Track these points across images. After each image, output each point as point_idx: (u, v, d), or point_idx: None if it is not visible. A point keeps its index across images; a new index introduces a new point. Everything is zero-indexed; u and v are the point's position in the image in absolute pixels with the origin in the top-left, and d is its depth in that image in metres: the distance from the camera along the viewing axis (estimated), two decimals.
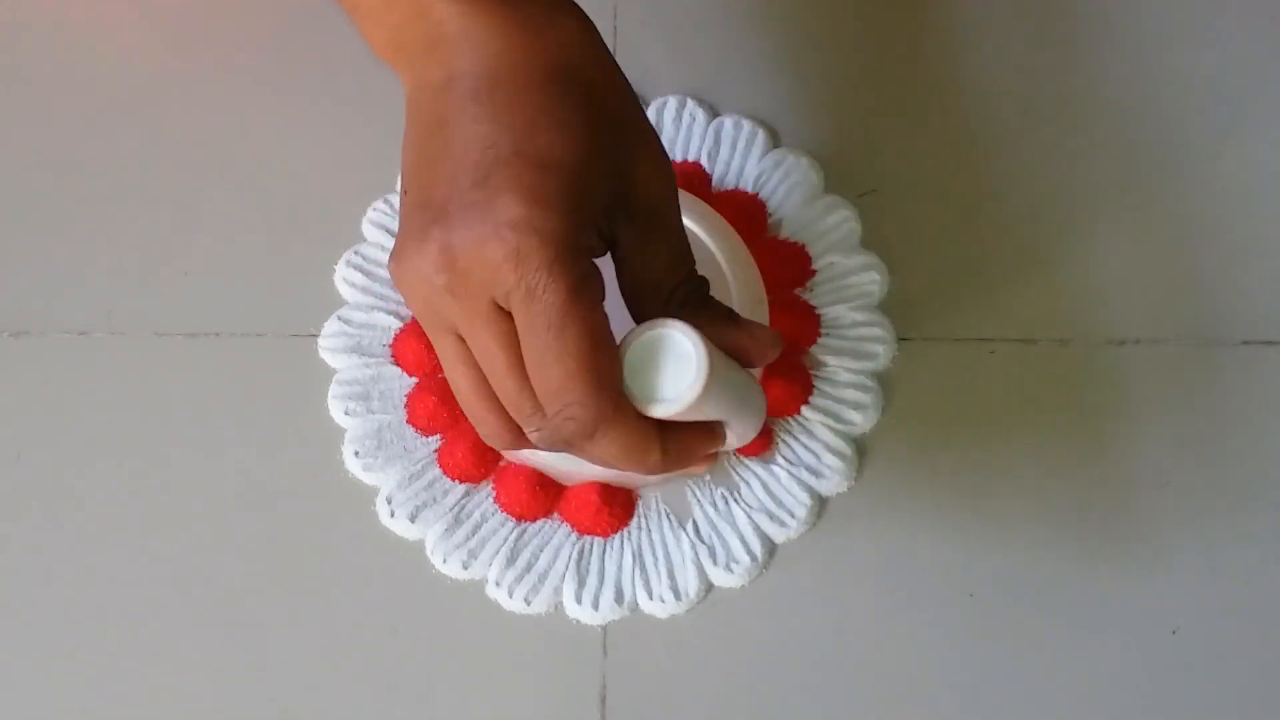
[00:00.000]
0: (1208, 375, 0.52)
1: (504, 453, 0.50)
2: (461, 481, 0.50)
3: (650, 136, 0.41)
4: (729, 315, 0.41)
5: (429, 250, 0.37)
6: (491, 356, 0.38)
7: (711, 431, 0.41)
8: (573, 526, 0.50)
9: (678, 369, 0.38)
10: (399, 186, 0.41)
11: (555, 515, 0.50)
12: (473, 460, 0.50)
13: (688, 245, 0.41)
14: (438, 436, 0.51)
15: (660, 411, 0.38)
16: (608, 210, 0.39)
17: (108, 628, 0.49)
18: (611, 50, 0.53)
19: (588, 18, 0.40)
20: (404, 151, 0.40)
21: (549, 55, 0.39)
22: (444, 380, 0.42)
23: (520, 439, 0.40)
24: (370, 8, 0.41)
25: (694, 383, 0.37)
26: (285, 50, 0.56)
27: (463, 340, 0.39)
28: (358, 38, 0.49)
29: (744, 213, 0.53)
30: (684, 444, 0.40)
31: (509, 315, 0.37)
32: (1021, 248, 0.53)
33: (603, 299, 0.38)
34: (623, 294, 0.41)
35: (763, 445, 0.50)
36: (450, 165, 0.38)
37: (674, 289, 0.40)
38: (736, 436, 0.42)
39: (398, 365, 0.51)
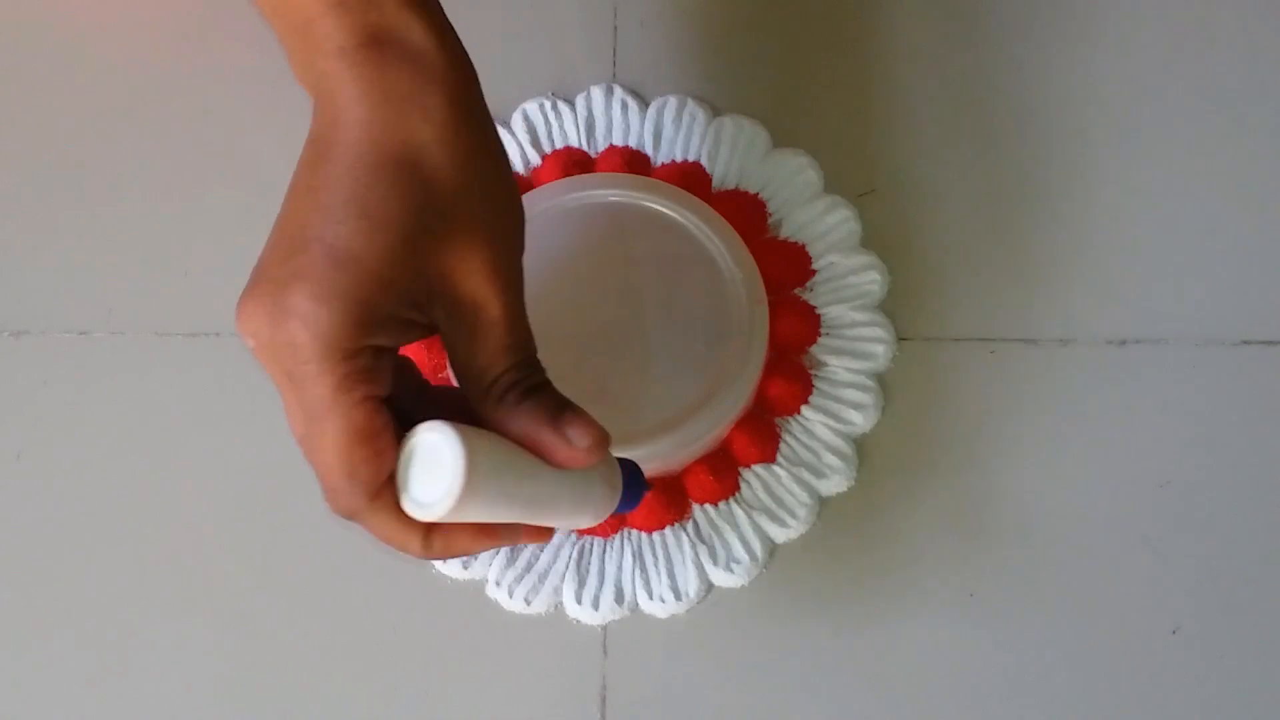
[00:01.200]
0: (1208, 375, 0.52)
1: None
2: None
3: (486, 223, 0.39)
4: (554, 411, 0.39)
5: (243, 310, 0.38)
6: (288, 416, 0.39)
7: (486, 531, 0.40)
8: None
9: (437, 474, 0.37)
10: None
11: None
12: None
13: (520, 336, 0.40)
14: None
15: (419, 514, 0.37)
16: (417, 303, 0.38)
17: (107, 627, 0.49)
18: (612, 49, 0.53)
19: (465, 84, 0.39)
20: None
21: (392, 135, 0.38)
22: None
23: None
24: (283, 42, 0.41)
25: (446, 493, 0.36)
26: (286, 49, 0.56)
27: None
28: None
29: (744, 212, 0.53)
30: (450, 540, 0.39)
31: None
32: (1022, 247, 0.53)
33: (380, 392, 0.37)
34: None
35: (766, 454, 0.50)
36: (277, 230, 0.38)
37: (493, 382, 0.39)
38: (563, 522, 0.40)
39: None
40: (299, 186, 0.39)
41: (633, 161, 0.53)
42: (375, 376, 0.37)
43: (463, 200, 0.39)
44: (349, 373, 0.37)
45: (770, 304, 0.50)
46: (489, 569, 0.49)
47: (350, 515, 0.38)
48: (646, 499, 0.49)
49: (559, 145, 0.54)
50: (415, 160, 0.38)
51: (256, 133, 0.55)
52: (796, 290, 0.52)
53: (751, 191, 0.53)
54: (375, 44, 0.39)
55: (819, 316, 0.52)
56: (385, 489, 0.37)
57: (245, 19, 0.56)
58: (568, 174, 0.53)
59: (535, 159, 0.54)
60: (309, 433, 0.38)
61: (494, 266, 0.39)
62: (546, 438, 0.39)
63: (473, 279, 0.39)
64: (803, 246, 0.53)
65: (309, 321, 0.36)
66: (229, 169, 0.54)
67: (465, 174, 0.39)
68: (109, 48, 0.56)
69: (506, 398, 0.39)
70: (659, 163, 0.54)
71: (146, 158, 0.54)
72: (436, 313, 0.38)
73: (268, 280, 0.37)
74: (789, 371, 0.51)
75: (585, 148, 0.54)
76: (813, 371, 0.52)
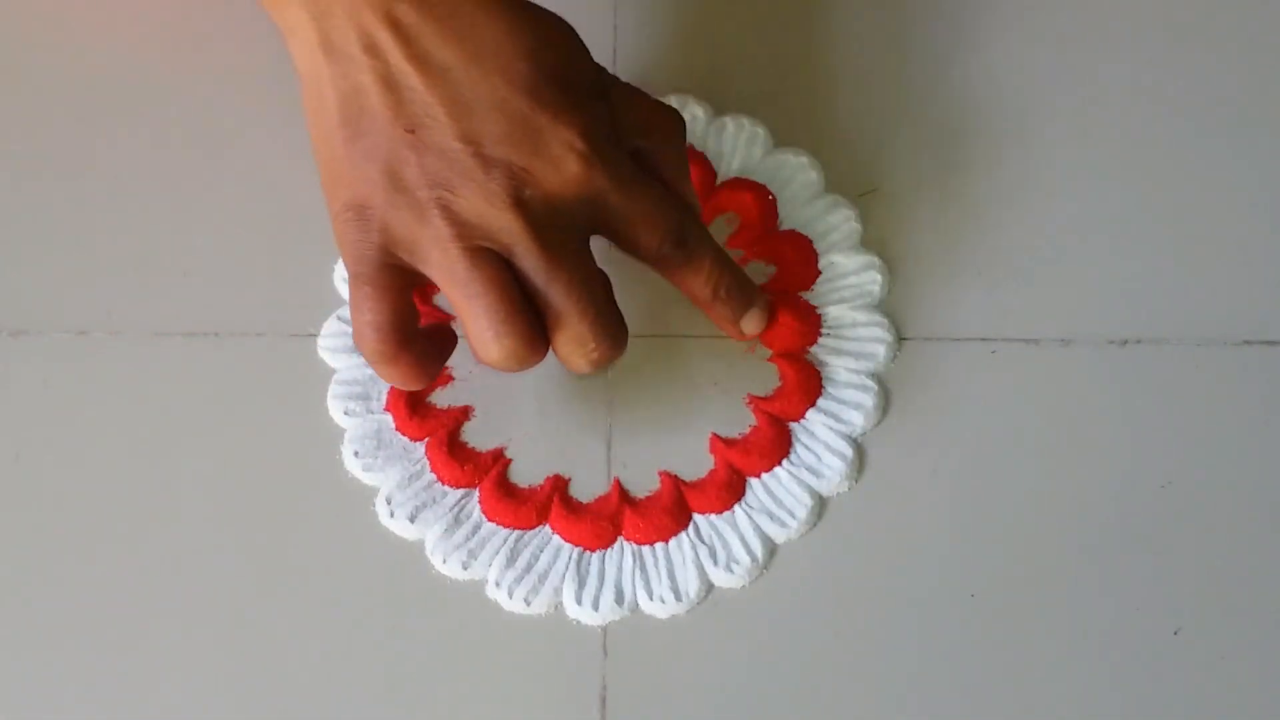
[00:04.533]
0: (1208, 375, 0.52)
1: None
2: (454, 486, 0.50)
3: (512, 100, 0.44)
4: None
5: (338, 213, 0.46)
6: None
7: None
8: (563, 538, 0.50)
9: None
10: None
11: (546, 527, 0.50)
12: (454, 465, 0.50)
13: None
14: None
15: None
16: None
17: (106, 627, 0.49)
18: (612, 49, 0.53)
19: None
20: (306, 116, 0.47)
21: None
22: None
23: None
24: None
25: None
26: (286, 49, 0.56)
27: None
28: None
29: (756, 201, 0.53)
30: None
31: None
32: (1022, 248, 0.53)
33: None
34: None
35: (775, 463, 0.51)
36: (324, 170, 0.46)
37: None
38: None
39: None
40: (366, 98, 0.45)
41: None
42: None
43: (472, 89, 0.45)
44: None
45: (775, 304, 0.51)
46: (489, 569, 0.49)
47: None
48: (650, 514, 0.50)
49: None
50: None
51: (256, 132, 0.55)
52: (800, 292, 0.52)
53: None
54: None
55: (819, 317, 0.52)
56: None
57: (245, 19, 0.56)
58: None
59: None
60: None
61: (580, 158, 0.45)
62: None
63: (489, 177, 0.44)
64: (810, 241, 0.53)
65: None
66: (229, 169, 0.54)
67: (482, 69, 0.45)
68: (108, 47, 0.55)
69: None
70: None
71: (146, 158, 0.54)
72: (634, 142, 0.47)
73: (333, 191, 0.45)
74: (806, 376, 0.51)
75: None
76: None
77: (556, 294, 0.44)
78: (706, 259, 0.48)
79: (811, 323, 0.52)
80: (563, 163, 0.44)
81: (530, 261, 0.44)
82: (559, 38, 0.45)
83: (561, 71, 0.44)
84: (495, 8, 0.44)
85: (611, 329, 0.46)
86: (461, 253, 0.43)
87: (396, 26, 0.43)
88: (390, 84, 0.44)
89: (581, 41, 0.46)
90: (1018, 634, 0.49)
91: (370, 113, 0.44)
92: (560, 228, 0.44)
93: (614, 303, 0.46)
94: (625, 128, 0.46)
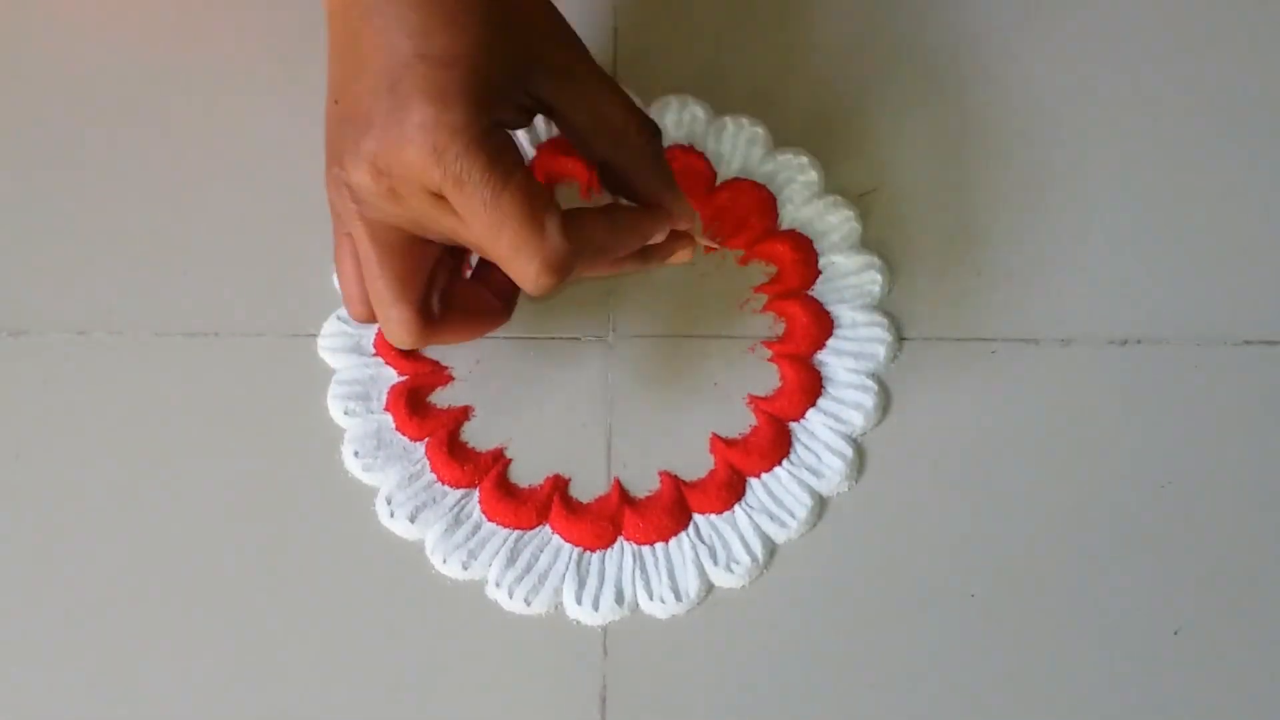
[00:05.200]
0: (1208, 375, 0.52)
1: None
2: (454, 486, 0.50)
3: (547, 10, 0.44)
4: (665, 179, 0.46)
5: (362, 163, 0.41)
6: (454, 229, 0.42)
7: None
8: (563, 538, 0.50)
9: None
10: (326, 101, 0.44)
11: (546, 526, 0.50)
12: (455, 466, 0.50)
13: (626, 96, 0.45)
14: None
15: None
16: (520, 78, 0.42)
17: (107, 627, 0.49)
18: (612, 49, 0.53)
19: None
20: (330, 67, 0.44)
21: None
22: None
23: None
24: None
25: None
26: (286, 48, 0.56)
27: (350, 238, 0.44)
28: None
29: (755, 201, 0.53)
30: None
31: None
32: (1022, 248, 0.53)
33: (522, 161, 0.42)
34: (580, 151, 0.45)
35: (776, 463, 0.50)
36: (366, 77, 0.41)
37: (619, 130, 0.45)
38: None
39: (388, 365, 0.51)
40: (369, 31, 0.42)
41: None
42: (514, 148, 0.42)
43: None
44: (498, 146, 0.41)
45: (788, 302, 0.51)
46: (489, 569, 0.49)
47: (563, 259, 0.42)
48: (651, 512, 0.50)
49: None
50: None
51: (256, 132, 0.54)
52: (808, 291, 0.52)
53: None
54: None
55: (832, 320, 0.52)
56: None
57: (246, 18, 0.56)
58: (565, 160, 0.53)
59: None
60: (489, 218, 0.41)
61: (573, 38, 0.45)
62: (668, 196, 0.45)
63: (560, 50, 0.44)
64: (810, 241, 0.53)
65: (444, 122, 0.40)
66: (228, 168, 0.54)
67: None
68: (108, 47, 0.55)
69: (643, 146, 0.45)
70: None
71: (146, 157, 0.54)
72: (537, 86, 0.43)
73: (371, 124, 0.41)
74: (804, 376, 0.51)
75: None
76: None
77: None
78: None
79: (825, 324, 0.52)
80: (409, 144, 0.41)
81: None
82: (482, 20, 0.42)
83: (458, 54, 0.41)
84: None
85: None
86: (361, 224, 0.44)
87: None
88: (334, 54, 0.44)
89: (542, 22, 0.44)
90: (1017, 634, 0.49)
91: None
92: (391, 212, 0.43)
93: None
94: (583, 130, 0.45)
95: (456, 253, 0.47)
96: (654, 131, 0.46)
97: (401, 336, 0.44)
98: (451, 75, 0.41)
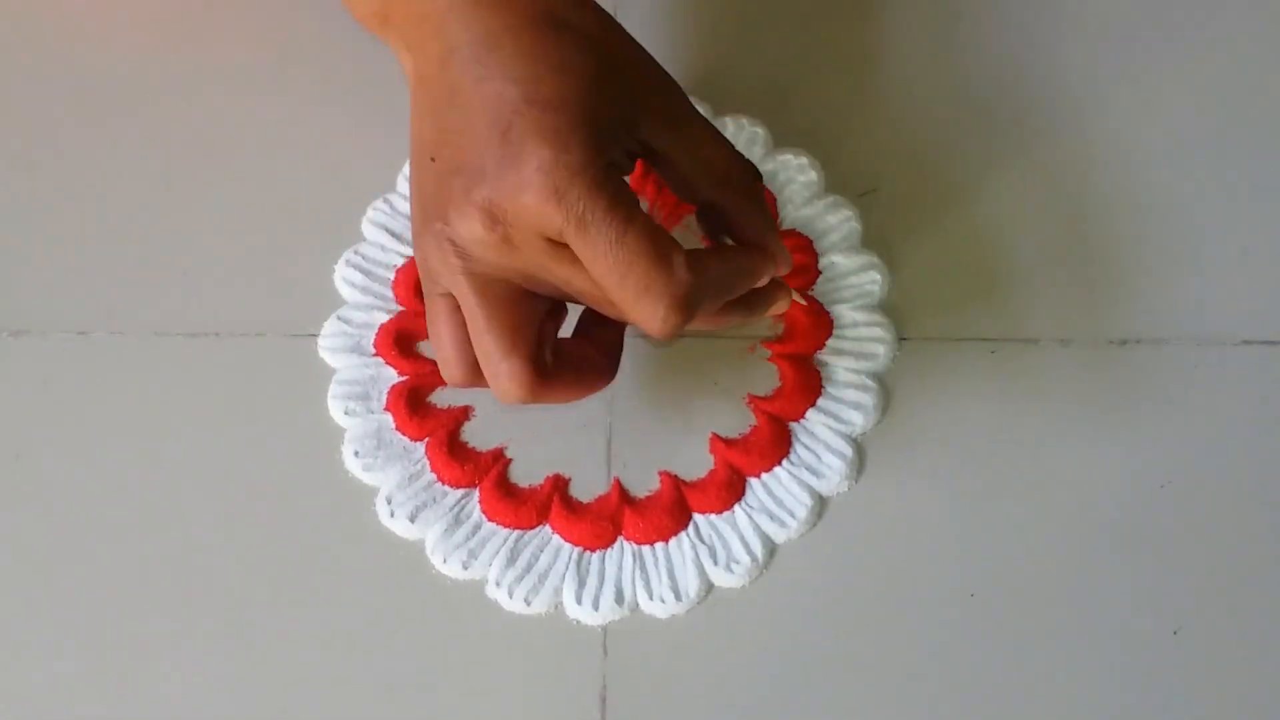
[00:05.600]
0: (1208, 375, 0.52)
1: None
2: (454, 486, 0.50)
3: (643, 55, 0.44)
4: (768, 222, 0.45)
5: (475, 212, 0.40)
6: (567, 280, 0.42)
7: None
8: (563, 538, 0.50)
9: None
10: (412, 162, 0.44)
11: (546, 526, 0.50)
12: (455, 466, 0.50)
13: (727, 141, 0.45)
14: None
15: None
16: (627, 124, 0.42)
17: (107, 627, 0.49)
18: None
19: None
20: (419, 124, 0.43)
21: (532, 8, 0.42)
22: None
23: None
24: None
25: None
26: (285, 49, 0.56)
27: (452, 298, 0.43)
28: (358, 36, 0.49)
29: None
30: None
31: (565, 246, 0.40)
32: (1022, 247, 0.53)
33: (639, 201, 0.41)
34: (680, 194, 0.45)
35: (776, 463, 0.51)
36: (471, 129, 0.41)
37: (724, 171, 0.44)
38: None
39: (389, 365, 0.51)
40: (470, 83, 0.41)
41: None
42: (631, 191, 0.41)
43: (616, 40, 0.44)
44: (619, 188, 0.40)
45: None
46: (489, 569, 0.49)
47: (694, 291, 0.41)
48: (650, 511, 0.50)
49: None
50: (565, 22, 0.42)
51: (257, 132, 0.55)
52: (810, 291, 0.52)
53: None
54: None
55: (831, 319, 0.52)
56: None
57: (246, 18, 0.56)
58: None
59: None
60: (615, 259, 0.40)
61: (673, 85, 0.45)
62: (771, 238, 0.45)
63: (664, 95, 0.44)
64: (810, 241, 0.53)
65: (564, 163, 0.39)
66: (229, 169, 0.54)
67: (605, 21, 0.44)
68: (108, 47, 0.55)
69: (746, 187, 0.45)
70: None
71: (146, 157, 0.54)
72: (643, 131, 0.43)
73: (483, 173, 0.40)
74: (804, 376, 0.51)
75: None
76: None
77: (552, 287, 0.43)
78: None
79: (825, 324, 0.52)
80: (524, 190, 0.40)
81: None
82: (588, 65, 0.42)
83: (567, 98, 0.41)
84: (538, 29, 0.42)
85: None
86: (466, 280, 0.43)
87: (451, 51, 0.42)
88: (427, 112, 0.43)
89: (635, 69, 0.44)
90: (1017, 633, 0.49)
91: (415, 141, 0.44)
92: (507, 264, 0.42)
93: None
94: (688, 173, 0.44)
95: (559, 313, 0.46)
96: (756, 175, 0.45)
97: (514, 391, 0.43)
98: (564, 118, 0.40)
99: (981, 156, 0.54)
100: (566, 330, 0.47)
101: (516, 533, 0.50)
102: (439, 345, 0.44)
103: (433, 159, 0.42)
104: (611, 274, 0.40)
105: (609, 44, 0.43)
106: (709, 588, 0.50)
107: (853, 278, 0.53)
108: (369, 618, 0.49)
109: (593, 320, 0.47)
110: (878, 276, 0.53)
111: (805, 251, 0.53)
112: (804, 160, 0.54)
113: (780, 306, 0.47)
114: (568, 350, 0.45)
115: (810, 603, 0.50)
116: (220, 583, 0.50)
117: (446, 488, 0.50)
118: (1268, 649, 0.49)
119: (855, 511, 0.51)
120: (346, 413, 0.51)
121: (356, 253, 0.53)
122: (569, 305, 0.46)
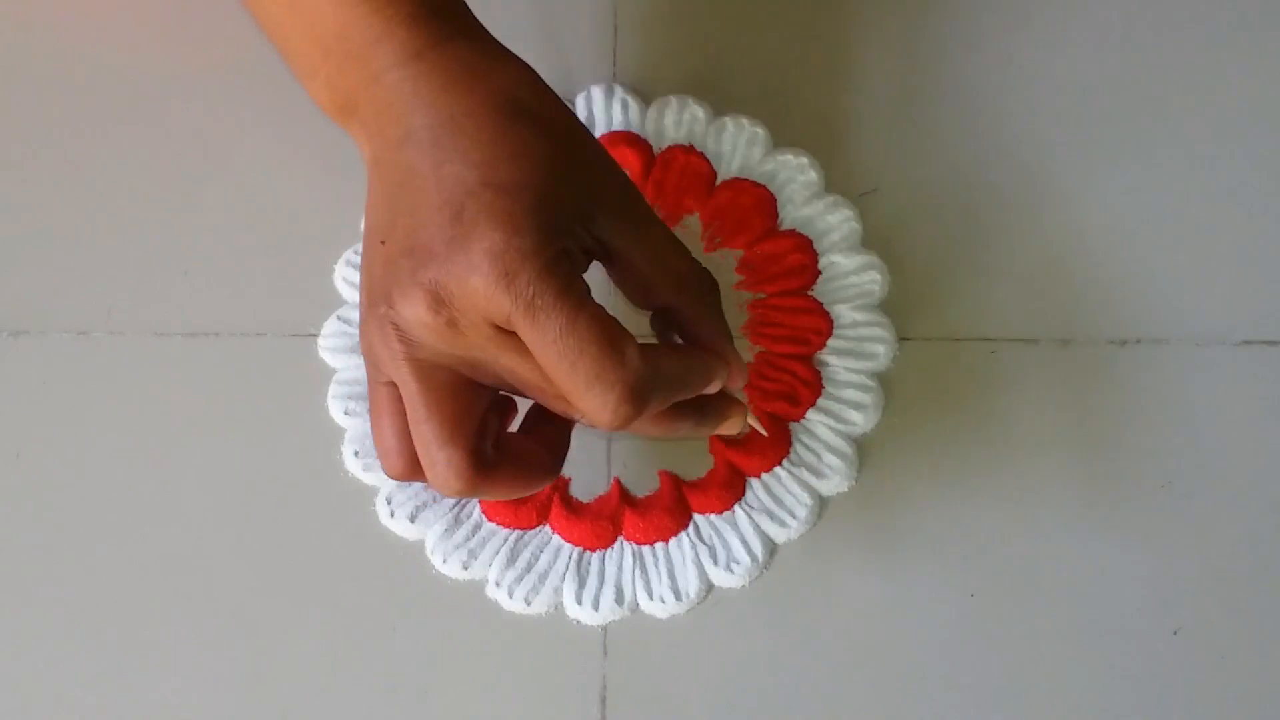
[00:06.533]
0: (1207, 375, 0.52)
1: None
2: None
3: (604, 154, 0.43)
4: (725, 331, 0.44)
5: (420, 293, 0.39)
6: (512, 370, 0.41)
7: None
8: (563, 538, 0.50)
9: None
10: (364, 248, 0.43)
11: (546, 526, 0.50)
12: None
13: (685, 247, 0.44)
14: None
15: None
16: (584, 218, 0.41)
17: (107, 626, 0.49)
18: (612, 49, 0.53)
19: (523, 61, 0.43)
20: (373, 209, 0.42)
21: (497, 96, 0.41)
22: None
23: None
24: (318, 71, 0.44)
25: None
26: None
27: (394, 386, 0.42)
28: None
29: (755, 202, 0.53)
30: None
31: (511, 334, 0.39)
32: (1022, 248, 0.53)
33: (590, 293, 0.40)
34: (636, 298, 0.44)
35: (776, 462, 0.50)
36: (424, 210, 0.40)
37: (684, 276, 0.44)
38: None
39: None
40: (427, 166, 0.40)
41: (633, 145, 0.53)
42: (583, 281, 0.40)
43: (575, 133, 0.43)
44: (571, 275, 0.39)
45: (787, 307, 0.51)
46: (489, 569, 0.49)
47: (644, 386, 0.39)
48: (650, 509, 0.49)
49: None
50: (525, 110, 0.41)
51: (256, 132, 0.55)
52: (809, 291, 0.52)
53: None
54: (436, 45, 0.42)
55: (831, 321, 0.52)
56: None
57: (246, 19, 0.56)
58: None
59: None
60: (563, 346, 0.38)
61: (628, 181, 0.44)
62: (728, 347, 0.44)
63: (621, 191, 0.43)
64: (810, 241, 0.53)
65: (516, 246, 0.38)
66: (228, 169, 0.54)
67: (566, 114, 0.43)
68: (108, 47, 0.55)
69: (706, 293, 0.44)
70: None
71: (146, 157, 0.54)
72: (599, 225, 0.41)
73: (432, 254, 0.39)
74: (804, 376, 0.51)
75: None
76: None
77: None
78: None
79: (824, 324, 0.52)
80: (470, 276, 0.39)
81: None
82: (548, 154, 0.41)
83: (524, 183, 0.40)
84: (500, 116, 0.41)
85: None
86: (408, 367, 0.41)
87: (409, 134, 0.41)
88: (380, 195, 0.42)
89: (587, 166, 0.43)
90: (1017, 634, 0.49)
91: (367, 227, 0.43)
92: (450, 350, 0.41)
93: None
94: (647, 276, 0.43)
95: (507, 409, 0.44)
96: (714, 284, 0.44)
97: (452, 482, 0.41)
98: (519, 202, 0.39)
99: (981, 156, 0.54)
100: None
101: (516, 533, 0.50)
102: (379, 436, 0.43)
103: (383, 242, 0.41)
104: (561, 361, 0.38)
105: (571, 137, 0.42)
106: (709, 588, 0.50)
107: (853, 278, 0.53)
108: (369, 618, 0.49)
109: (539, 416, 0.45)
110: (878, 276, 0.53)
111: (805, 251, 0.53)
112: (804, 160, 0.54)
113: (734, 426, 0.46)
114: (511, 444, 0.43)
115: (810, 603, 0.50)
116: (220, 582, 0.50)
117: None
118: (1268, 649, 0.49)
119: (855, 511, 0.51)
120: (346, 413, 0.51)
121: (356, 253, 0.53)
122: (519, 402, 0.45)
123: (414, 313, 0.39)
